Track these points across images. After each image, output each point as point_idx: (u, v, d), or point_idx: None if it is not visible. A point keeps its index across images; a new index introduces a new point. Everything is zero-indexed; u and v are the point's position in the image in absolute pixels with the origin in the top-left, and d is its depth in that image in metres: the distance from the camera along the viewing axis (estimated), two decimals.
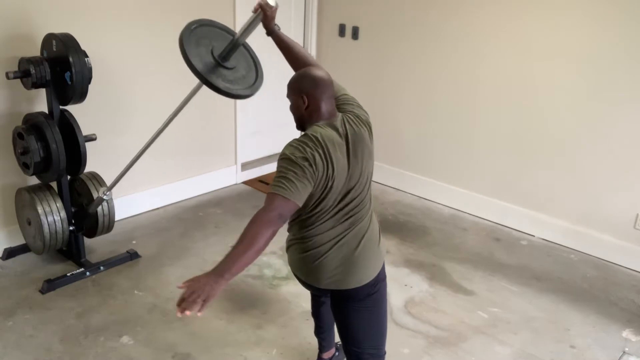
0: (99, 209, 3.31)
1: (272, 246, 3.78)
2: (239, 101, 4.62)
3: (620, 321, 3.17)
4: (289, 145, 1.87)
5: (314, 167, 1.80)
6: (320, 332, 2.59)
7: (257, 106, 4.72)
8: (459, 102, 4.32)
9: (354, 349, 2.16)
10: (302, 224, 2.02)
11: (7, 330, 2.84)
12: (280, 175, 1.81)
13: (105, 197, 3.19)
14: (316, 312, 2.54)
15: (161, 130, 2.88)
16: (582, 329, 3.09)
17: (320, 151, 1.83)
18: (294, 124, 2.07)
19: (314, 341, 2.82)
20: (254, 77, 2.40)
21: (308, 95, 1.94)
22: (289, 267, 2.19)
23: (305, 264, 2.07)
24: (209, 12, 4.22)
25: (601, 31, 3.56)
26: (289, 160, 1.80)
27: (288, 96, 2.02)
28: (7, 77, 2.99)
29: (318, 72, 1.98)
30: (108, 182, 3.42)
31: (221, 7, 4.31)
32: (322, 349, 2.64)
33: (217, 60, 2.26)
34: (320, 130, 1.90)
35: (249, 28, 2.24)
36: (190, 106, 4.32)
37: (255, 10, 2.20)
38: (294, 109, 2.01)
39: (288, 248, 2.15)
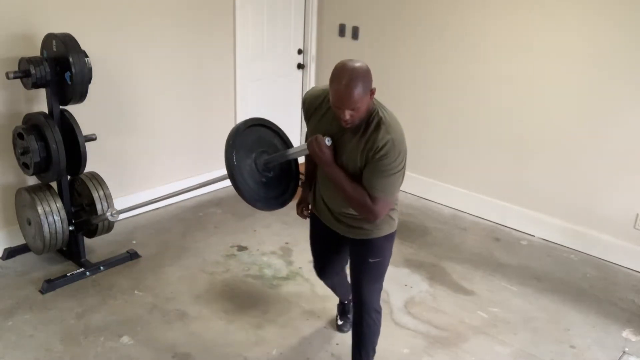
0: (99, 208, 3.31)
1: (272, 246, 3.79)
2: (238, 100, 4.62)
3: (620, 321, 3.17)
4: None
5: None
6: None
7: (257, 106, 4.72)
8: (459, 102, 4.32)
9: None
10: None
11: (7, 330, 2.84)
12: None
13: (111, 219, 3.18)
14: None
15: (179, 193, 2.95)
16: (582, 329, 3.09)
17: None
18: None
19: (314, 341, 2.83)
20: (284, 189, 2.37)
21: None
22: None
23: None
24: (209, 12, 4.24)
25: (601, 31, 3.56)
26: None
27: None
28: (7, 77, 2.99)
29: (335, 76, 1.98)
30: (108, 183, 3.42)
31: (221, 7, 4.31)
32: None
33: (259, 169, 2.25)
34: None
35: (297, 153, 2.24)
36: (190, 106, 4.36)
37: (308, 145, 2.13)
38: None
39: None
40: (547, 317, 3.18)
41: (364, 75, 1.96)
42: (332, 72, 1.98)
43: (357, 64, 1.97)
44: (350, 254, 2.41)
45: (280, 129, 2.40)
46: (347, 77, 1.92)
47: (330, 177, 2.11)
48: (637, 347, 2.97)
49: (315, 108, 2.20)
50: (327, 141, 2.07)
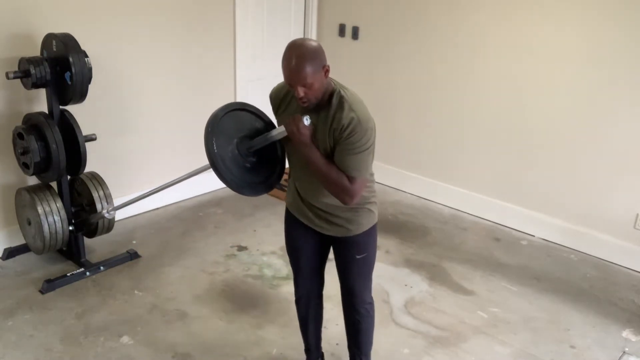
0: (99, 208, 3.31)
1: (272, 246, 3.79)
2: (238, 100, 4.61)
3: (620, 321, 3.17)
4: None
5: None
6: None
7: (256, 105, 4.71)
8: (459, 102, 4.32)
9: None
10: None
11: (7, 330, 2.84)
12: None
13: (108, 216, 3.18)
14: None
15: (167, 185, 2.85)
16: (582, 329, 3.09)
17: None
18: None
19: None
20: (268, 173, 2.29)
21: None
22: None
23: None
24: (209, 12, 4.24)
25: (602, 31, 3.56)
26: None
27: None
28: (7, 77, 2.99)
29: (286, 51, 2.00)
30: (108, 183, 3.42)
31: (221, 7, 4.31)
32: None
33: (241, 153, 2.20)
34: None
35: (279, 135, 2.16)
36: (190, 106, 4.36)
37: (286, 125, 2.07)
38: None
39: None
40: (547, 317, 3.18)
41: (313, 51, 1.98)
42: (284, 51, 2.01)
43: (307, 42, 2.01)
44: (335, 253, 2.40)
45: (261, 111, 2.36)
46: (295, 54, 1.96)
47: (307, 159, 2.08)
48: (637, 347, 2.97)
49: (280, 100, 2.25)
50: (306, 120, 2.01)
